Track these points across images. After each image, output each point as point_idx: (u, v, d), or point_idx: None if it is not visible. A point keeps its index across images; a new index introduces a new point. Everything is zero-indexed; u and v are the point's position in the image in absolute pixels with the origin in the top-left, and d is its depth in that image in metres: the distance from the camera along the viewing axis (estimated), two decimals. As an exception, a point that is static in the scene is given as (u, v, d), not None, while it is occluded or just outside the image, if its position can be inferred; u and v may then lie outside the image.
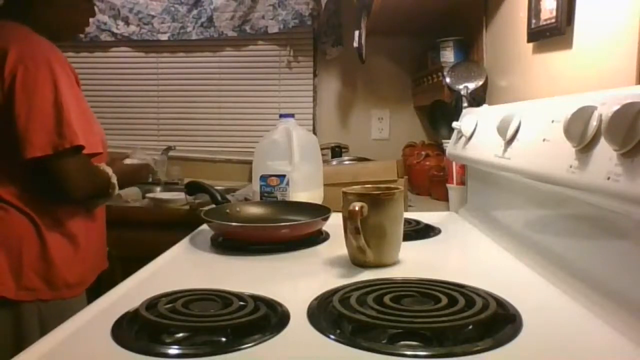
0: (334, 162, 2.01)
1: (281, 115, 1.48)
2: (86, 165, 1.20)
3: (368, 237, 0.84)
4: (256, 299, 0.69)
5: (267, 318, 0.64)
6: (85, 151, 1.18)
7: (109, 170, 1.27)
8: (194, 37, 2.39)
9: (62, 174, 1.15)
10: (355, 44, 1.94)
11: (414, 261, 0.91)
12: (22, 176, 1.17)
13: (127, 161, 1.54)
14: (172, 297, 0.69)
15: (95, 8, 1.42)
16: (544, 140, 0.79)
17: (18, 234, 1.16)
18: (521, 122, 0.90)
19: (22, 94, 1.11)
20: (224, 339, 0.59)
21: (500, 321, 0.61)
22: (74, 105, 1.17)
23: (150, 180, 2.02)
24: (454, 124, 1.27)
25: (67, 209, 1.22)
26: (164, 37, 2.40)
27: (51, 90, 1.13)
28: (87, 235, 1.27)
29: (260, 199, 1.34)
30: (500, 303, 0.66)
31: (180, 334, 0.60)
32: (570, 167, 0.69)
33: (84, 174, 1.20)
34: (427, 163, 1.88)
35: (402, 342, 0.57)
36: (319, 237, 1.08)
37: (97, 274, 1.33)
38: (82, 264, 1.25)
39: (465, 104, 1.57)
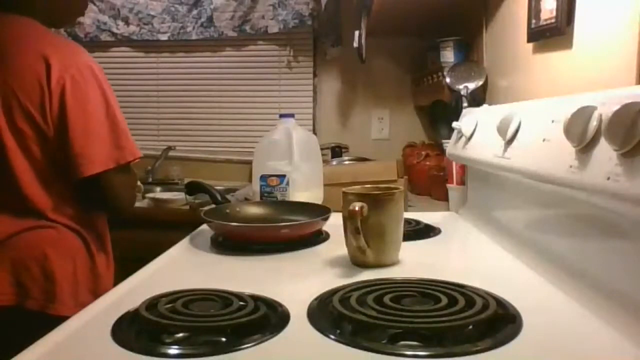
0: (334, 162, 2.01)
1: (281, 115, 1.48)
2: (135, 177, 1.17)
3: (368, 237, 0.84)
4: (256, 299, 0.69)
5: (267, 318, 0.64)
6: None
7: (135, 172, 1.23)
8: (194, 37, 2.39)
9: (117, 188, 1.10)
10: (355, 44, 1.94)
11: (414, 261, 0.91)
12: (68, 194, 1.11)
13: None
14: (172, 297, 0.69)
15: (96, 8, 1.41)
16: (544, 140, 0.79)
17: (72, 252, 1.13)
18: (521, 122, 0.90)
19: (75, 107, 1.04)
20: (224, 339, 0.59)
21: (500, 321, 0.61)
22: (120, 111, 1.12)
23: None
24: (454, 124, 1.27)
25: (102, 219, 1.19)
26: (164, 37, 2.40)
27: (101, 99, 1.08)
28: (109, 240, 1.25)
29: (260, 199, 1.34)
30: (500, 303, 0.66)
31: (180, 334, 0.60)
32: (570, 167, 0.69)
33: (133, 186, 1.17)
34: (427, 163, 1.88)
35: (402, 342, 0.57)
36: (319, 237, 1.08)
37: None
38: (112, 270, 1.24)
39: (465, 104, 1.57)
